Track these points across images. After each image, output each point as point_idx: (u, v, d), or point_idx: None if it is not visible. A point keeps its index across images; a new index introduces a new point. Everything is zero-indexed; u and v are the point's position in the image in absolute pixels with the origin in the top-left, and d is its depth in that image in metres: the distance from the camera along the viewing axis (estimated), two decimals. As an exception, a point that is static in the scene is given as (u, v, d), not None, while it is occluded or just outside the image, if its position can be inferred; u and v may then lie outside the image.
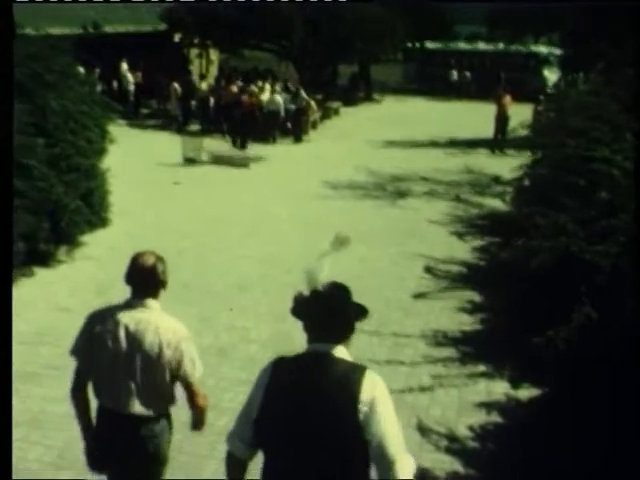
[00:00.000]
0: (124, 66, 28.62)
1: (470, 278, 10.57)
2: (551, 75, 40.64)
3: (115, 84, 28.94)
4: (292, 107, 24.71)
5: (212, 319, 8.65)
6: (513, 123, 22.38)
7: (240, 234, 12.35)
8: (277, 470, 3.33)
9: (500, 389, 7.27)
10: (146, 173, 17.30)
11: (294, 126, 24.52)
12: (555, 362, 7.06)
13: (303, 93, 25.26)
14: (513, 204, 13.29)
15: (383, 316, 8.99)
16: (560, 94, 23.16)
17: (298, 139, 24.04)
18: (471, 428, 6.50)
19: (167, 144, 21.30)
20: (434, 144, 23.84)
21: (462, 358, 7.94)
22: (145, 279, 4.23)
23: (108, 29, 28.20)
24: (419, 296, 9.84)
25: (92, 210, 11.77)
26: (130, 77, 28.21)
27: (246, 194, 15.68)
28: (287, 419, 3.25)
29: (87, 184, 11.58)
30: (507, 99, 24.05)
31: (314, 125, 26.22)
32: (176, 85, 25.52)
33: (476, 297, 9.79)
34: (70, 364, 4.42)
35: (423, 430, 6.43)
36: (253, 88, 24.83)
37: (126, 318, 4.19)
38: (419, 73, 46.11)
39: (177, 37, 31.45)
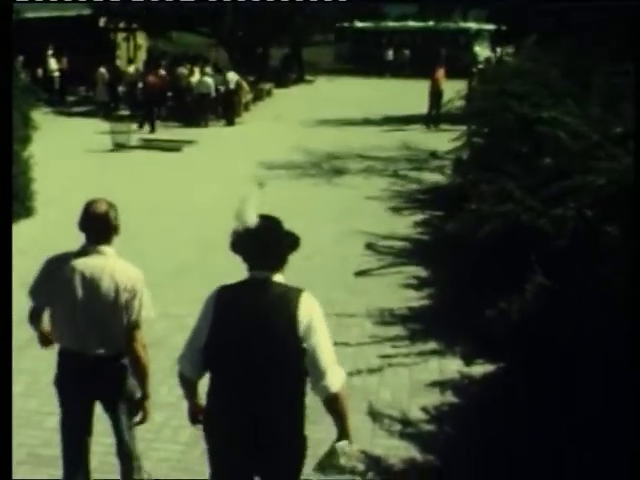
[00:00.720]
0: (49, 52, 27.71)
1: (414, 253, 10.23)
2: (482, 51, 40.61)
3: (40, 71, 28.00)
4: (222, 89, 24.11)
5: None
6: (446, 99, 22.41)
7: (174, 219, 11.82)
8: (225, 386, 3.70)
9: (452, 367, 6.90)
10: (73, 160, 16.62)
11: (225, 108, 23.93)
12: (509, 335, 6.76)
13: (233, 74, 24.67)
14: (453, 176, 13.08)
15: (325, 295, 8.51)
16: (495, 66, 23.13)
17: (230, 122, 23.42)
18: (425, 410, 6.10)
19: (95, 130, 20.54)
20: (369, 122, 23.48)
21: (411, 336, 7.56)
22: (98, 226, 4.34)
23: (29, 14, 27.12)
24: (362, 273, 9.46)
25: (15, 199, 11.09)
26: (54, 64, 27.34)
27: (179, 178, 15.12)
28: (234, 339, 3.62)
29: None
30: (440, 73, 23.74)
31: (246, 107, 25.64)
32: (103, 70, 24.72)
33: (421, 272, 9.44)
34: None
35: (374, 415, 6.02)
36: (182, 70, 24.19)
37: (82, 265, 4.32)
38: (351, 53, 45.73)
39: (102, 21, 30.49)
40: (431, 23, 46.90)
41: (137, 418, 4.57)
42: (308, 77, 38.98)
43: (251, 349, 3.59)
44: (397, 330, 7.71)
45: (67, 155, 17.01)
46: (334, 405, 3.65)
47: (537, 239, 6.97)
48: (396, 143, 19.31)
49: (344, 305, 8.32)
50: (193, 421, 4.07)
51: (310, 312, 3.61)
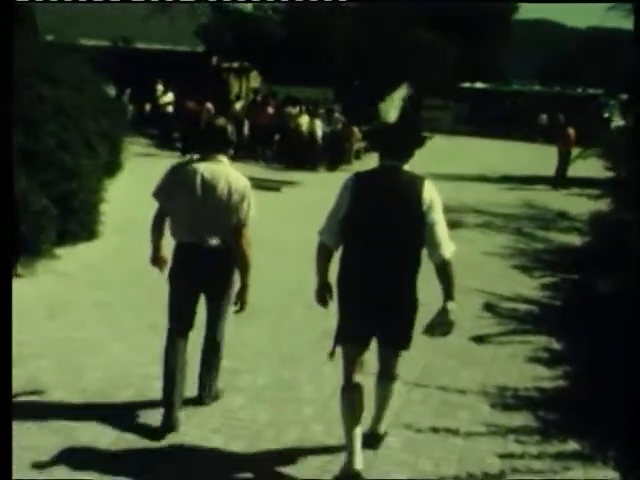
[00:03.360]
0: (159, 88, 26.70)
1: (544, 320, 8.14)
2: (612, 118, 38.10)
3: (148, 106, 27.13)
4: (329, 132, 22.58)
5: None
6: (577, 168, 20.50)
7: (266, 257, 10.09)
8: (359, 253, 4.51)
9: (603, 478, 4.84)
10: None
11: (333, 153, 22.29)
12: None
13: (341, 116, 23.11)
14: (592, 237, 11.04)
15: (430, 364, 6.65)
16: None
17: (334, 166, 21.70)
18: None
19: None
20: (487, 179, 21.50)
21: (543, 429, 5.48)
22: (218, 137, 5.12)
23: (140, 45, 26.47)
24: (478, 339, 7.41)
25: (73, 217, 9.62)
26: (167, 97, 26.07)
27: (276, 217, 13.46)
28: (369, 213, 4.44)
29: (67, 185, 9.43)
30: (571, 132, 21.81)
31: (357, 155, 24.01)
32: (209, 105, 23.48)
33: (554, 344, 7.36)
34: None
35: None
36: (291, 110, 22.79)
37: (202, 168, 5.05)
38: (472, 114, 43.65)
39: (215, 59, 29.53)
40: (557, 88, 44.74)
41: (236, 307, 5.21)
42: (425, 134, 37.15)
43: (383, 221, 4.38)
44: (523, 418, 5.65)
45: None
46: (446, 270, 4.42)
47: None
48: (517, 201, 17.28)
49: (452, 378, 6.37)
50: (321, 300, 4.76)
51: (431, 194, 4.41)
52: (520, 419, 5.63)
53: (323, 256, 4.67)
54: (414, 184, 4.43)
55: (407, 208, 4.37)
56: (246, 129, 22.70)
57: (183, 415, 5.20)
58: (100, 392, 5.61)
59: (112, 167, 15.41)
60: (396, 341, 4.75)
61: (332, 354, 4.67)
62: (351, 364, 4.63)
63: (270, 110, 22.98)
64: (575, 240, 12.59)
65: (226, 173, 5.07)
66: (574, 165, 21.40)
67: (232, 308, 5.26)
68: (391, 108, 4.56)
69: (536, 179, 21.72)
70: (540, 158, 24.87)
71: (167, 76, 25.81)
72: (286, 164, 21.70)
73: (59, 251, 9.22)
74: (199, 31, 28.89)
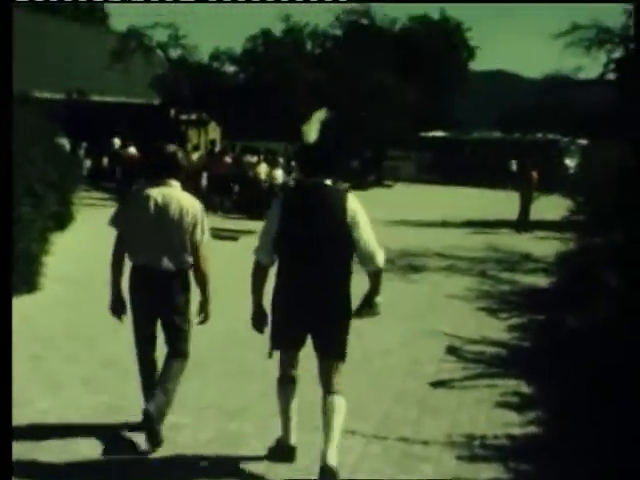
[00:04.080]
0: (116, 142, 26.13)
1: (511, 363, 7.62)
2: (572, 164, 38.15)
3: (105, 160, 26.57)
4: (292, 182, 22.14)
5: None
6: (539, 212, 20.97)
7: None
8: (291, 266, 4.79)
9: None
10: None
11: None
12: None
13: (301, 168, 22.66)
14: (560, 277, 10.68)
15: (389, 413, 6.11)
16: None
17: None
18: None
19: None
20: (449, 224, 21.13)
21: (516, 482, 4.98)
22: (169, 163, 5.38)
23: (95, 98, 25.95)
24: (440, 384, 6.87)
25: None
26: (131, 151, 25.42)
27: (230, 265, 12.92)
28: (299, 228, 4.70)
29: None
30: (533, 175, 21.60)
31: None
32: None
33: (523, 387, 6.84)
34: None
35: None
36: (249, 159, 22.40)
37: (154, 192, 5.30)
38: (433, 162, 43.49)
39: (172, 111, 29.12)
40: (517, 135, 44.78)
41: (199, 318, 5.43)
42: (387, 182, 36.98)
43: (311, 233, 4.69)
44: (493, 470, 5.11)
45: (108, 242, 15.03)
46: (377, 276, 4.86)
47: None
48: (481, 245, 16.90)
49: (414, 427, 5.82)
50: (255, 324, 5.02)
51: (354, 206, 4.76)
52: (489, 471, 5.09)
53: (258, 275, 4.94)
54: (338, 197, 4.78)
55: (333, 220, 4.69)
56: (204, 180, 22.25)
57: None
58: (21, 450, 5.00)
59: (61, 218, 14.86)
60: (329, 350, 4.87)
61: (270, 355, 4.98)
62: (286, 361, 5.01)
63: (228, 159, 22.57)
64: (541, 281, 12.22)
65: (178, 197, 5.28)
66: (536, 209, 21.29)
67: (192, 323, 5.50)
68: (311, 129, 4.90)
69: (499, 223, 21.43)
70: (502, 203, 24.64)
71: (124, 129, 25.31)
72: (245, 214, 21.22)
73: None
74: (154, 82, 28.43)
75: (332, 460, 4.62)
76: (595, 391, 5.89)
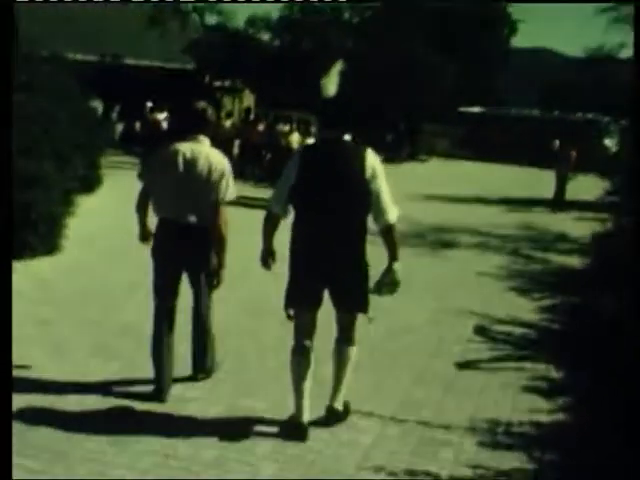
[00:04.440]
0: (148, 105, 25.86)
1: (541, 345, 7.30)
2: (612, 144, 37.38)
3: (138, 125, 26.34)
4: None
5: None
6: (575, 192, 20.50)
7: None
8: (307, 218, 4.78)
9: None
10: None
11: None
12: None
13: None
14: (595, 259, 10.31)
15: (410, 394, 5.84)
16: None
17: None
18: None
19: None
20: (484, 201, 20.67)
21: (539, 472, 4.67)
22: (198, 118, 5.41)
23: (129, 61, 25.71)
24: (466, 365, 6.57)
25: (31, 229, 8.85)
26: (161, 116, 25.15)
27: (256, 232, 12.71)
28: (317, 180, 4.69)
29: (24, 194, 8.65)
30: (572, 155, 21.17)
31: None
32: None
33: (552, 372, 6.52)
34: None
35: None
36: (282, 128, 22.09)
37: (183, 148, 5.32)
38: (471, 137, 42.79)
39: (207, 78, 28.81)
40: (557, 113, 43.97)
41: (213, 283, 5.45)
42: (421, 157, 36.46)
43: (329, 188, 4.66)
44: (516, 459, 4.82)
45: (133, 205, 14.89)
46: (390, 233, 4.80)
47: None
48: (515, 223, 16.47)
49: (437, 409, 5.55)
50: (264, 263, 5.06)
51: (373, 162, 4.74)
52: (513, 460, 4.80)
53: (270, 224, 4.94)
54: (357, 153, 4.74)
55: (351, 175, 4.68)
56: (236, 148, 21.99)
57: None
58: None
59: (89, 181, 14.71)
60: (349, 302, 4.90)
61: (288, 315, 4.95)
62: (301, 328, 4.93)
63: (261, 127, 22.30)
64: (575, 262, 11.83)
65: (206, 152, 5.32)
66: (572, 189, 20.83)
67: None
68: (330, 83, 4.93)
69: (534, 202, 21.00)
70: (539, 181, 24.19)
71: (158, 94, 25.04)
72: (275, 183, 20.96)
73: (14, 264, 8.42)
74: (189, 48, 28.10)
75: (338, 404, 5.06)
76: (627, 379, 5.55)
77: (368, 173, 4.68)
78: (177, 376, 5.58)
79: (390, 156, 30.56)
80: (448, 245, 13.08)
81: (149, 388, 5.45)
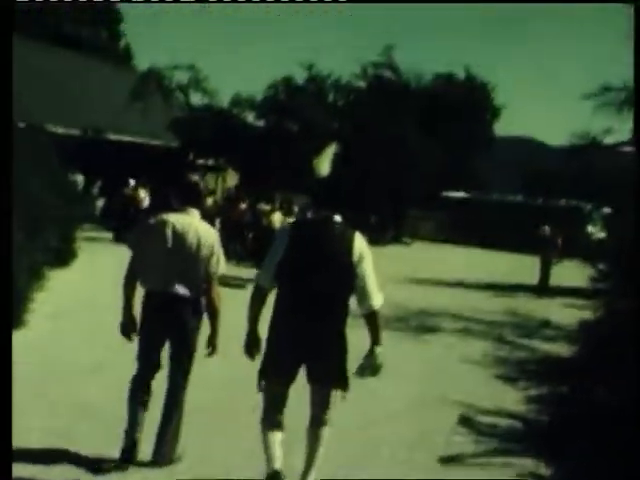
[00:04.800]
0: (131, 182, 25.58)
1: (529, 439, 6.89)
2: (595, 231, 37.46)
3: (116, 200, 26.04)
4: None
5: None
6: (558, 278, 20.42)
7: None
8: (290, 297, 4.74)
9: None
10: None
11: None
12: None
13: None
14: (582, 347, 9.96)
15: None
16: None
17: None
18: None
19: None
20: (467, 286, 20.43)
21: None
22: (190, 191, 5.50)
23: (112, 137, 25.52)
24: (450, 460, 6.16)
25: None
26: (142, 194, 24.79)
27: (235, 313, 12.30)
28: (304, 259, 4.71)
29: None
30: (559, 242, 21.23)
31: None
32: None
33: (541, 468, 6.10)
34: None
35: None
36: (264, 207, 21.90)
37: (173, 219, 5.35)
38: (453, 222, 42.77)
39: (191, 155, 28.71)
40: (540, 200, 44.17)
41: (208, 351, 5.49)
42: (405, 239, 36.35)
43: (315, 267, 4.66)
44: None
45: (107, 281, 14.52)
46: (374, 318, 4.78)
47: None
48: (499, 308, 16.16)
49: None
50: (248, 350, 4.93)
51: (361, 246, 4.77)
52: None
53: (258, 299, 4.87)
54: (345, 235, 4.79)
55: (338, 257, 4.72)
56: (217, 225, 21.74)
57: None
58: None
59: (63, 255, 14.34)
60: (327, 376, 4.83)
61: (260, 387, 4.87)
62: (273, 401, 4.87)
63: (243, 206, 22.11)
64: (561, 350, 11.47)
65: (196, 225, 5.37)
66: (555, 275, 20.63)
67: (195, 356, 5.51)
68: (323, 164, 4.97)
69: (518, 287, 20.77)
70: (522, 267, 24.00)
71: (141, 171, 24.84)
72: (258, 262, 20.63)
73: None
74: (173, 125, 28.08)
75: None
76: (626, 475, 5.15)
77: (355, 256, 4.71)
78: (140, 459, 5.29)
79: (374, 238, 30.35)
80: (431, 330, 12.72)
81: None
